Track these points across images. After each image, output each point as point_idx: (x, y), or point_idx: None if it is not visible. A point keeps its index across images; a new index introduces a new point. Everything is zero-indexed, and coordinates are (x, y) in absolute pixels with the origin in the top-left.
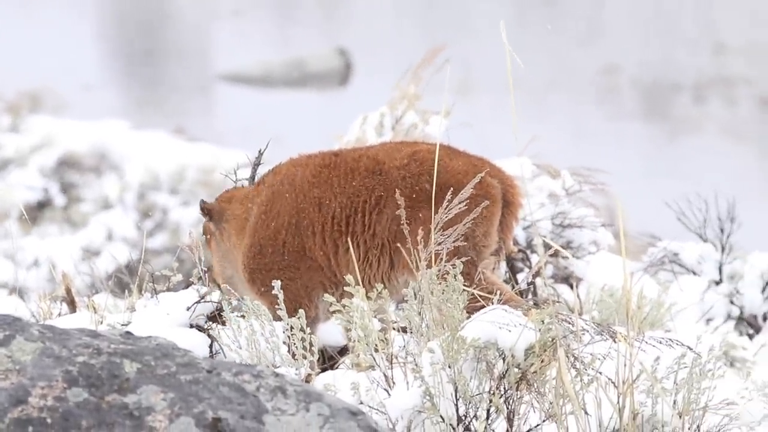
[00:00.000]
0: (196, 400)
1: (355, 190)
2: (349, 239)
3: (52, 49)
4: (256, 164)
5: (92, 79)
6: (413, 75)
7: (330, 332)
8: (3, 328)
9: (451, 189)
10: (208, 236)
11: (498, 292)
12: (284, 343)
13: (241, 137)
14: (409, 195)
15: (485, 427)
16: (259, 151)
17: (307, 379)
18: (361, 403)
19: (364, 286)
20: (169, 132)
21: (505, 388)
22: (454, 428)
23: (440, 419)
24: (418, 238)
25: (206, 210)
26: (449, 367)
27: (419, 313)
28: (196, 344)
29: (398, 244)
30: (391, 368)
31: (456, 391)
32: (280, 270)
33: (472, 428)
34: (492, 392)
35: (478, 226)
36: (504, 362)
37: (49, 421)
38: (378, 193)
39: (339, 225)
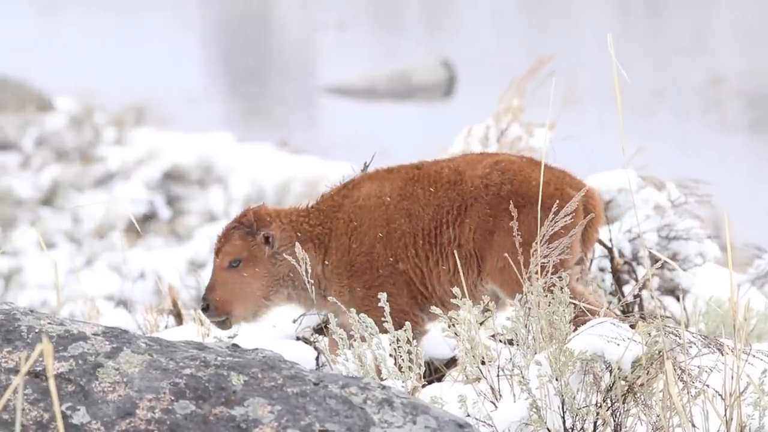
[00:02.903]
0: (303, 413)
1: (440, 201)
2: (439, 251)
3: (157, 63)
4: None
5: (197, 92)
6: (517, 87)
7: (436, 344)
8: (111, 341)
9: (535, 200)
10: (242, 257)
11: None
12: (390, 355)
13: (345, 149)
14: (491, 204)
15: None
16: (365, 163)
17: (414, 392)
18: (468, 415)
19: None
20: (274, 144)
21: (611, 401)
22: None
23: (547, 431)
24: (517, 248)
25: (259, 219)
26: (556, 379)
27: (525, 326)
28: (302, 356)
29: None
30: (498, 380)
31: (563, 403)
32: (379, 285)
33: None
34: (599, 405)
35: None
36: (611, 375)
37: None
38: (459, 203)
39: (428, 237)
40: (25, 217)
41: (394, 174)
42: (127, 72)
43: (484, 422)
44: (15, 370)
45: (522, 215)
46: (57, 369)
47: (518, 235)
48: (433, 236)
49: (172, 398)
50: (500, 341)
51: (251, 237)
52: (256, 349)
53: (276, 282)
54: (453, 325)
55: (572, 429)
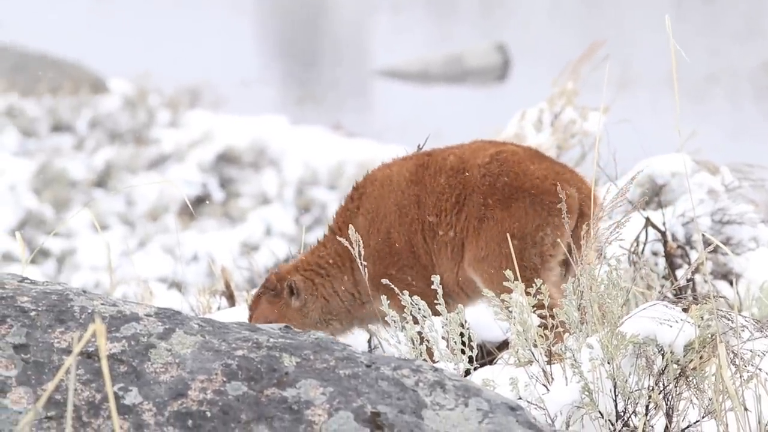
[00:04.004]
0: (355, 395)
1: (443, 188)
2: (440, 238)
3: (211, 45)
4: None
5: (251, 75)
6: (572, 71)
7: (488, 327)
8: (163, 322)
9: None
10: (271, 320)
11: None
12: (443, 338)
13: (399, 133)
14: (486, 194)
15: (644, 424)
16: (419, 146)
17: (466, 374)
18: (520, 398)
19: (459, 286)
20: (328, 127)
21: (664, 384)
22: (612, 424)
23: (599, 415)
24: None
25: (281, 280)
26: (608, 362)
27: (578, 309)
28: (354, 338)
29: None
30: (550, 364)
31: (615, 386)
32: (398, 270)
33: (631, 424)
34: (651, 388)
35: (548, 235)
36: (663, 358)
37: (208, 414)
38: (459, 191)
39: (431, 224)
40: (79, 199)
41: (407, 161)
42: (181, 54)
43: (536, 405)
44: (67, 351)
45: (513, 208)
46: (109, 350)
47: (506, 227)
48: (435, 224)
49: (224, 379)
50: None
51: (277, 299)
52: (309, 330)
53: (315, 329)
54: (506, 307)
55: (624, 412)
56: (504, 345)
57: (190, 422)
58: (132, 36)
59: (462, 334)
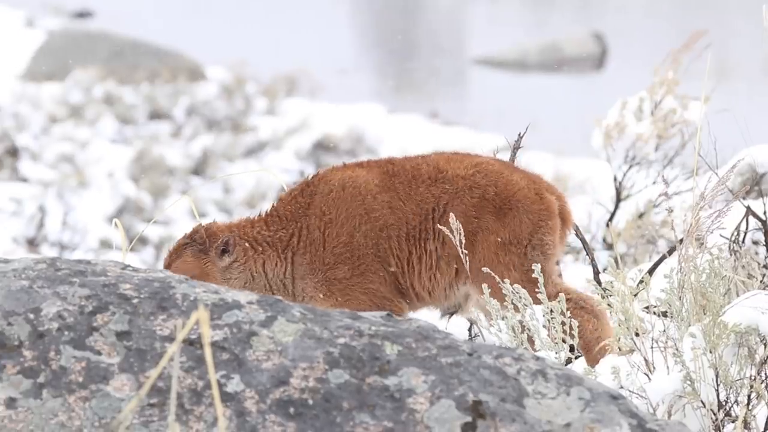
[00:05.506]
0: (457, 383)
1: (422, 197)
2: (422, 247)
3: (308, 33)
4: (516, 148)
5: (347, 63)
6: (673, 60)
7: None
8: (265, 309)
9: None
10: (193, 274)
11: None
12: (544, 326)
13: (495, 121)
14: (476, 206)
15: (746, 413)
16: (519, 135)
17: (567, 363)
18: (621, 387)
19: (430, 295)
20: (424, 116)
21: (766, 374)
22: (714, 414)
23: (701, 404)
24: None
25: (212, 236)
26: (710, 352)
27: (680, 298)
28: (455, 327)
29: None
30: (652, 352)
31: (717, 376)
32: (361, 274)
33: (733, 414)
34: (753, 378)
35: (546, 236)
36: (765, 348)
37: (310, 402)
38: (444, 200)
39: (412, 231)
40: (177, 187)
41: (368, 167)
42: (278, 42)
43: (638, 394)
44: (170, 338)
45: (508, 217)
46: (212, 337)
47: (501, 236)
48: (417, 231)
49: (326, 367)
50: (654, 313)
51: (203, 255)
52: (410, 319)
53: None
54: (606, 296)
55: (726, 402)
56: None
57: (291, 410)
58: (229, 24)
59: (563, 323)
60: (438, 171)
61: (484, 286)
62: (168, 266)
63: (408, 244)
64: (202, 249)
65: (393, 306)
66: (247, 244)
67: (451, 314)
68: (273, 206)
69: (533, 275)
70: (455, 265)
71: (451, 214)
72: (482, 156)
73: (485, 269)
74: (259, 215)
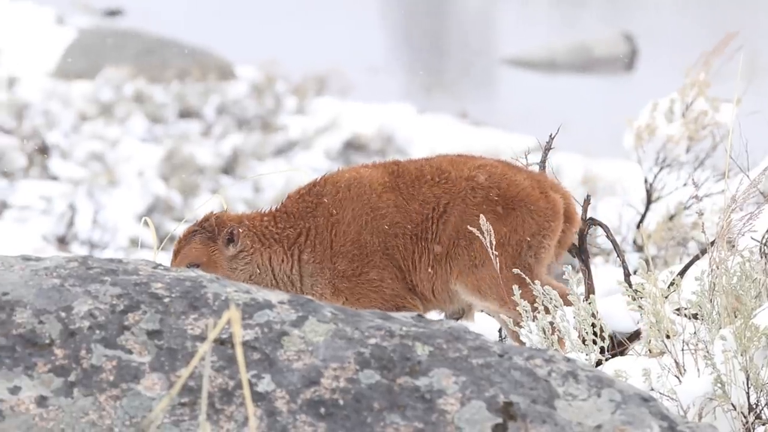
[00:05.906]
0: (488, 384)
1: (425, 197)
2: (423, 246)
3: (338, 33)
4: (547, 149)
5: (377, 63)
6: (705, 62)
7: (620, 318)
8: (296, 309)
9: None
10: (201, 262)
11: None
12: (574, 328)
13: (525, 122)
14: (479, 205)
15: None
16: (550, 136)
17: (597, 365)
18: (652, 389)
19: (433, 294)
20: (454, 116)
21: None
22: (745, 416)
23: (731, 407)
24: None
25: (221, 225)
26: (741, 354)
27: (711, 301)
28: (486, 328)
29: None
30: (683, 355)
31: (747, 379)
32: (369, 271)
33: (764, 417)
34: None
35: (545, 239)
36: None
37: (341, 402)
38: (445, 200)
39: (415, 230)
40: (206, 186)
41: (374, 168)
42: (308, 42)
43: (668, 396)
44: (201, 338)
45: (510, 218)
46: (243, 337)
47: (500, 236)
48: (420, 230)
49: (357, 368)
50: (685, 315)
51: (212, 242)
52: (441, 319)
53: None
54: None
55: (756, 405)
56: (635, 335)
57: (322, 410)
58: (259, 23)
59: (594, 325)
60: (441, 172)
61: (515, 287)
62: (177, 252)
63: (412, 242)
64: (210, 237)
65: (406, 303)
66: (254, 237)
67: (456, 319)
68: (282, 203)
69: (518, 275)
70: (450, 265)
71: (481, 216)
72: (486, 158)
73: (516, 270)
74: (269, 210)
